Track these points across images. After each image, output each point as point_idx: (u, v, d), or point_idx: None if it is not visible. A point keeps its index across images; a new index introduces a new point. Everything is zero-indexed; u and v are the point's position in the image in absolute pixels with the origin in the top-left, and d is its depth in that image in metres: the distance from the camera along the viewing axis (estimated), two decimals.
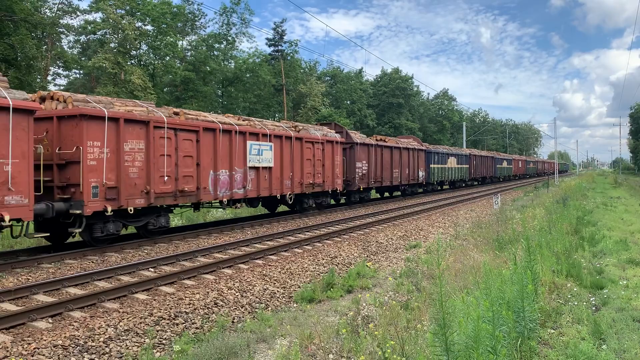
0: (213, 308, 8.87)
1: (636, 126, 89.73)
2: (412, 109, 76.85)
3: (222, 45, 48.57)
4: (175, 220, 20.83)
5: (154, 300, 8.84)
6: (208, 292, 9.47)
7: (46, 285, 9.28)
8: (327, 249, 14.20)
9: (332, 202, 26.61)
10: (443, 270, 8.80)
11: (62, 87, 44.47)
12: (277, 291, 10.30)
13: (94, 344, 6.94)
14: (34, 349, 6.58)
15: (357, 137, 27.17)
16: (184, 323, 8.11)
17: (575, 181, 46.93)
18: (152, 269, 11.13)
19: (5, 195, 10.10)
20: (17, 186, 10.32)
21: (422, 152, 35.93)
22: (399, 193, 34.71)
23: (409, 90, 75.06)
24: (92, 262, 11.79)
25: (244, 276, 10.76)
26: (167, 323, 7.97)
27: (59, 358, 6.55)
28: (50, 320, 7.65)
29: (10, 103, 10.13)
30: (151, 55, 43.32)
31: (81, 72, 46.05)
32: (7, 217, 10.04)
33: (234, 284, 10.11)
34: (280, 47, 52.30)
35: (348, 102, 65.88)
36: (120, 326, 7.54)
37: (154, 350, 7.10)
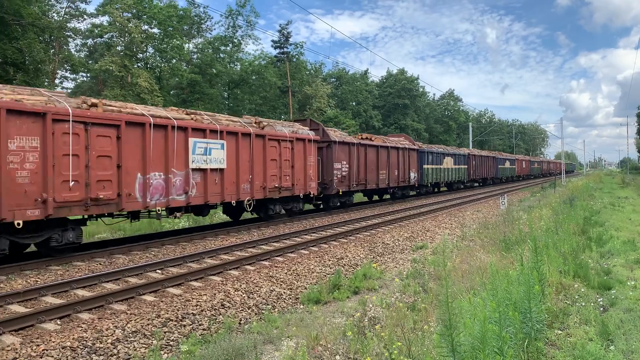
0: (220, 309, 8.90)
1: None
2: (418, 109, 76.79)
3: (228, 48, 48.74)
4: (182, 222, 20.91)
5: (162, 301, 8.88)
6: (215, 294, 9.50)
7: (54, 287, 9.34)
8: (334, 250, 14.21)
9: (312, 206, 24.72)
10: (449, 271, 8.80)
11: (69, 90, 44.73)
12: (284, 292, 10.32)
13: (102, 345, 6.98)
14: (43, 350, 6.63)
15: (337, 135, 24.67)
16: (191, 324, 8.14)
17: (582, 181, 46.68)
18: (159, 271, 11.18)
19: None
20: None
21: (414, 152, 33.23)
22: (389, 196, 32.19)
23: (415, 91, 75.01)
24: (100, 264, 11.86)
25: (250, 277, 10.79)
26: (175, 324, 8.00)
27: (67, 359, 6.60)
28: (59, 322, 7.70)
29: None
30: (158, 58, 43.54)
31: (88, 75, 46.34)
32: None
33: (240, 285, 10.14)
34: (285, 49, 52.39)
35: (353, 103, 65.94)
36: (128, 328, 7.58)
37: (162, 352, 7.13)
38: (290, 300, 10.05)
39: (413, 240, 17.24)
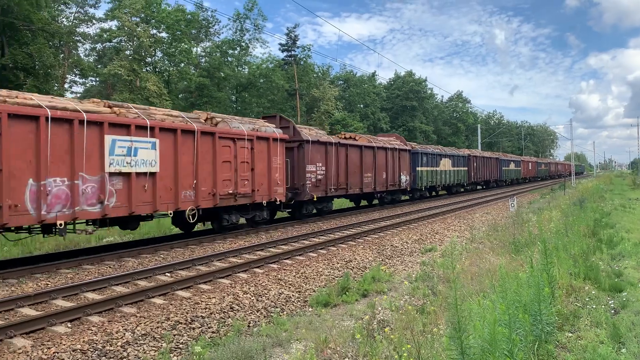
0: (229, 312, 8.91)
1: None
2: (426, 111, 76.69)
3: (236, 51, 48.95)
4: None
5: (171, 304, 8.91)
6: (224, 297, 9.52)
7: (65, 290, 9.40)
8: (342, 253, 14.20)
9: (286, 214, 22.58)
10: (459, 274, 8.77)
11: (78, 95, 45.08)
12: (292, 295, 10.32)
13: (112, 348, 7.01)
14: (54, 353, 6.67)
15: (312, 133, 21.96)
16: (200, 327, 8.16)
17: (592, 183, 46.37)
18: (168, 274, 11.22)
19: None
20: None
21: (406, 153, 30.48)
22: (378, 202, 29.52)
23: (423, 93, 74.96)
24: (110, 267, 11.92)
25: (259, 280, 10.80)
26: (184, 327, 8.03)
27: None
28: (69, 325, 7.75)
29: None
30: (166, 62, 43.80)
31: (97, 79, 46.67)
32: None
33: (249, 288, 10.16)
34: (293, 52, 52.56)
35: (361, 105, 65.95)
36: (138, 330, 7.62)
37: (171, 355, 7.16)
38: (299, 303, 10.05)
39: (422, 242, 17.19)
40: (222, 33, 49.89)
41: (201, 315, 8.52)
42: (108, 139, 12.26)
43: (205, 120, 16.20)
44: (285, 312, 9.43)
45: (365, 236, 17.26)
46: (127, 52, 38.95)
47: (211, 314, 8.68)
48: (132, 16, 38.51)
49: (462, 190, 43.71)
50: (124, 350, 7.02)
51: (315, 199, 21.03)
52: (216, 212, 16.35)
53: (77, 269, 11.59)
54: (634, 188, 43.43)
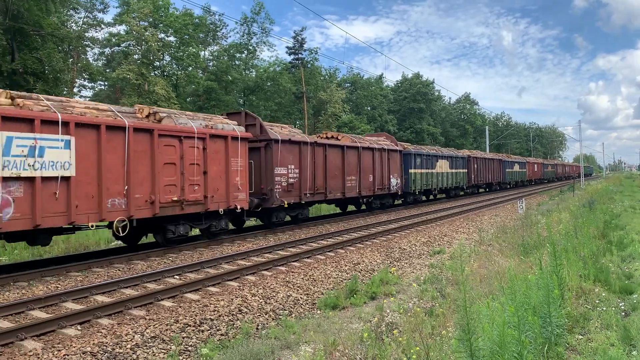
0: (237, 315, 8.93)
1: None
2: (434, 113, 76.48)
3: (243, 55, 49.08)
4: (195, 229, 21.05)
5: (180, 307, 8.94)
6: (232, 299, 9.54)
7: (75, 293, 9.46)
8: (350, 256, 14.19)
9: (253, 222, 20.91)
10: (467, 276, 8.74)
11: (87, 99, 45.38)
12: (301, 298, 10.33)
13: (121, 350, 7.05)
14: (64, 355, 6.72)
15: (284, 132, 19.78)
16: (209, 330, 8.18)
17: (601, 184, 46.04)
18: (177, 277, 11.27)
19: None
20: None
21: (396, 154, 28.25)
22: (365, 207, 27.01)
23: (430, 95, 74.76)
24: (119, 270, 11.98)
25: (267, 283, 10.82)
26: (193, 330, 8.05)
27: None
28: (79, 328, 7.80)
29: None
30: (174, 65, 43.99)
31: (106, 83, 46.93)
32: None
33: (257, 291, 10.18)
34: (300, 55, 52.58)
35: (369, 108, 65.89)
36: (147, 333, 7.65)
37: (180, 357, 7.19)
38: (307, 306, 10.05)
39: (430, 245, 17.15)
40: (230, 37, 50.06)
41: (210, 318, 8.55)
42: (2, 136, 10.07)
43: (147, 116, 13.97)
44: (293, 315, 9.44)
45: (374, 238, 17.23)
46: (136, 56, 39.14)
47: (220, 316, 8.71)
48: (141, 20, 38.72)
49: (462, 193, 41.72)
50: (133, 353, 7.06)
51: (286, 205, 18.63)
52: (159, 223, 14.07)
53: (86, 272, 11.66)
54: None
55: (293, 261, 13.13)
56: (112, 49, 44.57)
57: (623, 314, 6.79)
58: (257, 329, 8.58)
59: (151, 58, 39.49)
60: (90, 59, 44.69)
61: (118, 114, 12.95)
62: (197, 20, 44.78)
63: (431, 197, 36.68)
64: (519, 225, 18.40)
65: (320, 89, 53.61)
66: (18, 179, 10.39)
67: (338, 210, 27.92)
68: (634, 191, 40.24)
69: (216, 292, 10.06)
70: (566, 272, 7.40)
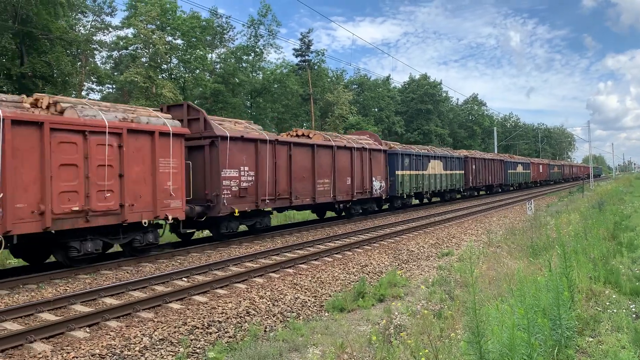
0: (245, 317, 8.93)
1: None
2: (442, 114, 76.34)
3: (250, 57, 49.20)
4: (206, 231, 21.10)
5: (188, 309, 8.95)
6: (240, 301, 9.54)
7: (83, 295, 9.50)
8: (358, 258, 14.16)
9: (202, 235, 18.83)
10: (476, 278, 8.69)
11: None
12: (308, 300, 10.31)
13: (130, 353, 7.06)
14: (73, 357, 6.74)
15: (238, 127, 17.08)
16: (217, 332, 8.18)
17: (611, 185, 45.73)
18: (185, 279, 11.29)
19: None
20: None
21: (380, 154, 25.50)
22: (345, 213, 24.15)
23: (438, 96, 74.65)
24: (127, 272, 12.02)
25: (275, 285, 10.81)
26: (201, 332, 8.06)
27: None
28: (88, 330, 7.82)
29: None
30: (181, 68, 44.18)
31: (114, 86, 47.21)
32: None
33: (265, 293, 10.17)
34: (307, 57, 52.68)
35: (376, 109, 65.85)
36: (155, 335, 7.66)
37: None
38: (315, 308, 10.04)
39: (438, 247, 17.09)
40: (237, 39, 50.20)
41: (218, 320, 8.55)
42: None
43: (47, 107, 11.71)
44: (301, 317, 9.43)
45: (382, 240, 17.20)
46: (143, 59, 39.35)
47: (228, 318, 8.71)
48: (148, 24, 38.92)
49: (459, 196, 39.08)
50: (141, 355, 7.07)
51: (237, 214, 15.90)
52: (54, 239, 11.56)
53: (95, 275, 11.70)
54: None
55: (300, 263, 13.12)
56: (120, 52, 44.82)
57: (634, 316, 6.72)
58: (265, 331, 8.58)
59: (159, 61, 39.68)
60: (98, 62, 44.97)
61: None
62: (204, 22, 44.95)
63: (425, 200, 34.78)
64: (527, 226, 18.30)
65: (327, 91, 53.66)
66: None
67: (313, 217, 25.55)
68: None
69: (224, 294, 10.06)
70: (576, 273, 7.34)
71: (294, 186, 18.80)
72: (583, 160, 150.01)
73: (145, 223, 12.91)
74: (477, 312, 4.17)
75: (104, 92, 48.55)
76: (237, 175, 16.16)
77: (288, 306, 9.78)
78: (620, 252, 11.00)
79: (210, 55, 47.51)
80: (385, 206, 28.52)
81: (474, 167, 39.79)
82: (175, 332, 7.89)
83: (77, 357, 6.76)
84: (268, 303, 9.70)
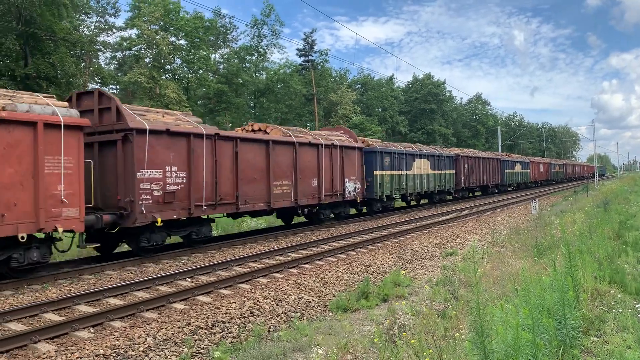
0: (249, 317, 8.93)
1: None
2: (445, 114, 76.28)
3: (254, 57, 49.30)
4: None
5: (192, 309, 8.95)
6: (244, 302, 9.54)
7: (87, 295, 9.51)
8: (362, 258, 14.15)
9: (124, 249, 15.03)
10: (480, 278, 8.67)
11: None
12: (312, 300, 10.30)
13: (134, 353, 7.07)
14: (77, 358, 6.75)
15: (167, 119, 14.13)
16: (221, 332, 8.18)
17: (616, 184, 45.56)
18: (189, 279, 11.29)
19: None
20: None
21: (354, 151, 22.75)
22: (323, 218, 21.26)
23: (442, 96, 74.60)
24: (131, 272, 12.04)
25: (279, 285, 10.81)
26: (205, 332, 8.06)
27: None
28: (92, 330, 7.83)
29: None
30: (185, 69, 44.31)
31: (118, 87, 47.36)
32: None
33: (269, 293, 10.17)
34: (310, 57, 52.71)
35: (379, 109, 65.82)
36: (159, 336, 7.67)
37: None
38: (319, 308, 10.03)
39: (442, 246, 17.06)
40: (240, 39, 50.34)
41: (222, 320, 8.55)
42: None
43: None
44: (305, 317, 9.42)
45: (385, 240, 17.17)
46: (147, 60, 39.47)
47: (232, 319, 8.71)
48: (152, 24, 39.04)
49: (450, 198, 36.37)
50: (145, 356, 7.07)
51: (159, 223, 12.99)
52: None
53: (99, 275, 11.72)
54: None
55: (304, 263, 13.11)
56: (124, 53, 45.00)
57: (639, 315, 6.68)
58: (268, 331, 8.57)
59: (162, 61, 39.79)
60: (102, 63, 45.18)
61: None
62: (207, 23, 45.08)
63: (413, 202, 32.33)
64: (532, 226, 18.25)
65: (330, 91, 53.68)
66: None
67: (276, 224, 22.97)
68: None
69: (228, 294, 10.06)
70: (581, 273, 7.30)
71: (242, 189, 15.90)
72: (588, 159, 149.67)
73: (22, 238, 10.19)
74: (481, 312, 4.15)
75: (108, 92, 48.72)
76: (161, 176, 13.29)
77: (292, 306, 9.77)
78: (626, 252, 10.94)
79: (213, 55, 47.63)
80: (368, 209, 25.82)
81: (466, 166, 37.13)
82: (179, 332, 7.89)
83: (81, 358, 6.77)
84: (272, 303, 9.69)
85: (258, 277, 11.43)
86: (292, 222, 22.04)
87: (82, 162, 11.44)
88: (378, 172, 24.57)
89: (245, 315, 8.97)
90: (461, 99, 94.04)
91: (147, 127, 12.86)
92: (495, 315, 4.74)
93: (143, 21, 38.45)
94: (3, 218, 9.92)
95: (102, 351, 6.96)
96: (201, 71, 44.07)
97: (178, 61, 43.62)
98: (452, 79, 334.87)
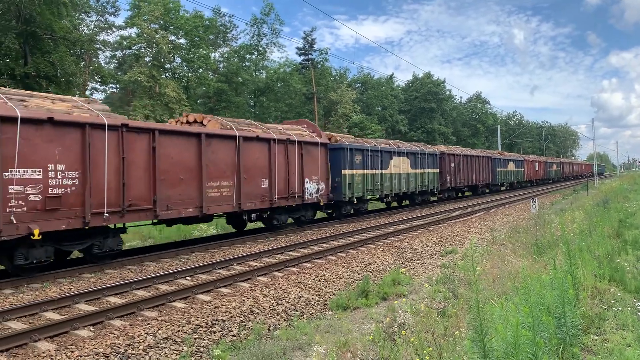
0: (249, 316, 8.93)
1: None
2: (445, 113, 76.28)
3: (254, 56, 49.28)
4: (210, 230, 21.13)
5: (192, 308, 8.96)
6: (244, 300, 9.54)
7: (87, 294, 9.52)
8: (361, 256, 14.15)
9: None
10: (480, 276, 8.68)
11: (99, 102, 45.79)
12: (312, 299, 10.31)
13: (134, 352, 7.07)
14: (77, 357, 6.75)
15: (57, 107, 11.41)
16: (221, 331, 8.19)
17: (616, 183, 45.57)
18: (189, 278, 11.30)
19: None
20: None
21: (317, 148, 19.98)
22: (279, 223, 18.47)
23: (441, 95, 74.60)
24: (131, 271, 12.04)
25: (279, 284, 10.81)
26: (205, 331, 8.06)
27: None
28: (92, 329, 7.84)
29: None
30: (185, 67, 44.28)
31: (117, 86, 47.34)
32: None
33: (269, 292, 10.17)
34: (310, 56, 52.68)
35: (379, 108, 65.82)
36: (159, 334, 7.67)
37: (192, 358, 7.19)
38: (319, 307, 10.03)
39: (442, 245, 17.06)
40: (240, 38, 50.38)
41: (222, 319, 8.55)
42: None
43: None
44: (305, 316, 9.42)
45: (385, 239, 17.18)
46: (147, 59, 39.44)
47: (232, 317, 8.71)
48: (151, 23, 39.01)
49: (436, 199, 34.24)
50: (145, 354, 7.08)
51: (37, 236, 10.34)
52: None
53: (99, 274, 11.73)
54: None
55: (304, 262, 13.11)
56: (124, 52, 44.99)
57: (639, 313, 6.69)
58: (268, 330, 8.58)
59: (162, 60, 39.77)
60: (102, 61, 45.17)
61: None
62: (207, 22, 45.07)
63: (394, 204, 30.25)
64: (532, 224, 18.26)
65: (330, 90, 53.66)
66: None
67: (227, 231, 20.51)
68: None
69: (228, 293, 10.06)
70: (581, 271, 7.31)
71: (163, 192, 13.26)
72: (587, 158, 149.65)
73: None
74: (481, 310, 4.15)
75: (108, 91, 48.75)
76: (41, 177, 10.71)
77: (292, 305, 9.77)
78: (625, 250, 10.95)
79: (213, 54, 47.62)
80: (336, 213, 23.15)
81: (452, 165, 34.82)
82: (179, 330, 7.90)
83: (81, 356, 6.77)
84: (272, 302, 9.70)
85: (258, 276, 11.44)
86: (245, 229, 19.21)
87: None
88: (347, 172, 22.19)
89: (245, 313, 8.98)
90: (461, 97, 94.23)
91: (19, 115, 10.24)
92: (495, 313, 4.74)
93: (143, 20, 38.42)
94: None
95: (102, 350, 6.97)
96: (201, 70, 44.06)
97: (178, 60, 43.60)
98: (452, 77, 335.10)
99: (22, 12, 28.07)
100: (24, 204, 10.42)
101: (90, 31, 41.39)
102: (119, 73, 45.01)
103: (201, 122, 16.25)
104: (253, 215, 17.02)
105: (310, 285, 11.00)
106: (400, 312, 8.32)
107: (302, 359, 7.10)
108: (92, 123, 11.61)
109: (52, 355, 6.76)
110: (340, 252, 14.63)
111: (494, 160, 43.61)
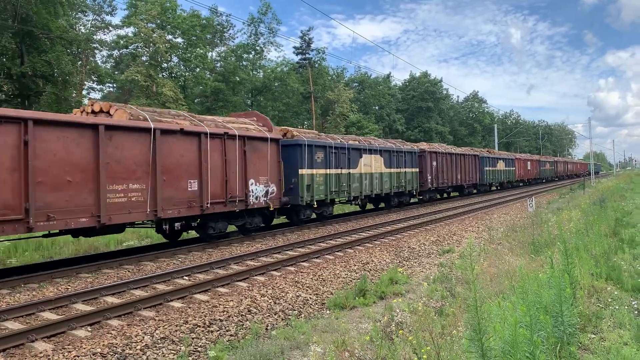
0: (247, 315, 8.93)
1: None
2: (442, 112, 76.36)
3: (251, 55, 49.22)
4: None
5: (189, 308, 8.95)
6: (241, 300, 9.54)
7: (85, 294, 9.50)
8: (359, 255, 14.15)
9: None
10: (477, 275, 8.68)
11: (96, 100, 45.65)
12: (310, 298, 10.30)
13: (131, 351, 7.06)
14: (74, 357, 6.74)
15: None
16: (218, 330, 8.18)
17: (612, 182, 45.68)
18: (186, 277, 11.28)
19: None
20: None
21: (266, 144, 17.27)
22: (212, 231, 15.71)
23: (438, 94, 74.68)
24: (129, 271, 12.02)
25: (276, 283, 10.81)
26: (202, 330, 8.05)
27: None
28: (89, 329, 7.82)
29: None
30: (182, 67, 44.19)
31: (114, 85, 47.22)
32: None
33: (266, 291, 10.17)
34: (307, 55, 52.65)
35: (376, 107, 65.84)
36: (157, 334, 7.66)
37: (190, 358, 7.18)
38: (317, 306, 10.03)
39: (439, 244, 17.08)
40: (237, 37, 50.23)
41: (219, 319, 8.55)
42: None
43: None
44: (302, 315, 9.42)
45: (382, 238, 17.18)
46: (144, 58, 39.34)
47: (229, 317, 8.70)
48: (148, 22, 38.91)
49: (417, 200, 31.97)
50: (143, 354, 7.07)
51: None
52: None
53: (96, 273, 11.71)
54: None
55: (302, 261, 13.11)
56: (120, 51, 44.87)
57: (636, 312, 6.70)
58: (266, 329, 8.57)
59: (159, 60, 39.69)
60: (98, 61, 45.05)
61: None
62: (204, 21, 44.96)
63: (370, 206, 28.28)
64: (528, 223, 18.29)
65: (327, 89, 53.65)
66: None
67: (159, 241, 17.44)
68: None
69: (225, 292, 10.06)
70: (578, 270, 7.33)
71: (42, 198, 10.62)
72: (584, 157, 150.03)
73: None
74: (478, 309, 4.15)
75: (105, 91, 48.62)
76: None
77: (290, 304, 9.77)
78: (622, 249, 10.98)
79: (210, 53, 47.52)
80: (295, 218, 20.35)
81: (434, 163, 32.37)
82: (176, 330, 7.89)
83: (78, 356, 6.76)
84: (269, 301, 9.69)
85: (256, 275, 11.44)
86: (180, 239, 16.91)
87: None
88: (305, 171, 19.59)
89: (243, 313, 8.97)
90: (458, 97, 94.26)
91: None
92: (492, 312, 4.75)
93: (140, 19, 38.32)
94: None
95: (99, 350, 6.96)
96: (198, 69, 43.94)
97: (175, 59, 43.52)
98: (449, 77, 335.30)
99: (18, 11, 27.98)
100: None
101: (87, 30, 41.28)
102: (116, 72, 44.90)
103: (107, 112, 13.41)
104: (177, 224, 14.20)
105: (307, 285, 11.00)
106: (397, 311, 8.33)
107: (300, 358, 7.09)
108: None
109: (49, 355, 6.74)
110: (337, 251, 14.64)
111: (481, 158, 41.37)
